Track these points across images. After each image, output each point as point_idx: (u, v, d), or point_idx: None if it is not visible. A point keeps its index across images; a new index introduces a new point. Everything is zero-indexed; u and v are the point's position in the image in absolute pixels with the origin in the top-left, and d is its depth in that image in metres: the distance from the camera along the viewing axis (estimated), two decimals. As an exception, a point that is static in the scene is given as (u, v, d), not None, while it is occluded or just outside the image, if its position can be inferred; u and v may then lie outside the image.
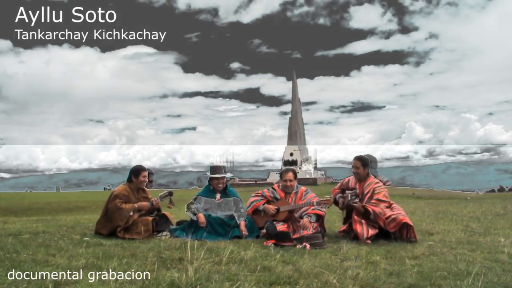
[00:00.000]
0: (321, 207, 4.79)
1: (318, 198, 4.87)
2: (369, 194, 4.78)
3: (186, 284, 2.63)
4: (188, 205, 5.14)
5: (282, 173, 5.17)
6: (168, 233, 4.81)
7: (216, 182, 5.26)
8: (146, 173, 5.14)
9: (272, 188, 5.19)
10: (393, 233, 4.68)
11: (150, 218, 4.89)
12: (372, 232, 4.56)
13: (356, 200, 4.87)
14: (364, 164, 4.92)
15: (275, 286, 2.70)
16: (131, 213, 4.85)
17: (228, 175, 5.61)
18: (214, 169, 5.32)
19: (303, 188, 5.14)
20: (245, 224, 4.93)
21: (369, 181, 4.91)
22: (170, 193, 5.20)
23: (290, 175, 5.04)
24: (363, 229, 4.57)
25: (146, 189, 5.26)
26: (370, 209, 4.64)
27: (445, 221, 6.56)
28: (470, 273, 2.92)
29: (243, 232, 4.82)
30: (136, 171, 5.11)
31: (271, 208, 4.92)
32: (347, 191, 5.05)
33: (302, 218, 4.79)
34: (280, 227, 4.66)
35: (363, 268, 3.14)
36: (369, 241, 4.46)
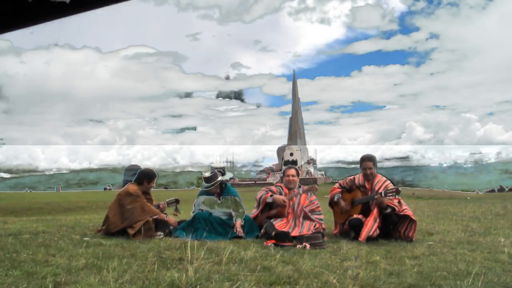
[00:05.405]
0: (309, 193, 5.05)
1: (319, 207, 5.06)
2: (381, 190, 4.80)
3: (186, 284, 2.63)
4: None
5: (285, 170, 5.42)
6: (162, 234, 4.78)
7: (214, 190, 5.22)
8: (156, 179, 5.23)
9: (278, 185, 5.36)
10: (392, 230, 4.76)
11: (151, 218, 4.89)
12: (375, 234, 4.59)
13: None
14: (375, 163, 5.09)
15: (275, 286, 2.69)
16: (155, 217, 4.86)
17: (229, 175, 5.61)
18: (206, 179, 5.22)
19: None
20: (241, 224, 4.94)
21: (378, 179, 5.02)
22: (177, 201, 5.28)
23: (292, 170, 5.34)
24: (373, 227, 4.60)
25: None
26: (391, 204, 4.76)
27: (445, 221, 6.56)
28: (470, 273, 2.92)
29: (238, 229, 4.84)
30: (150, 176, 5.16)
31: (281, 198, 5.02)
32: (341, 200, 5.11)
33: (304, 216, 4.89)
34: (279, 222, 4.73)
35: (363, 268, 3.13)
36: (363, 240, 4.49)
